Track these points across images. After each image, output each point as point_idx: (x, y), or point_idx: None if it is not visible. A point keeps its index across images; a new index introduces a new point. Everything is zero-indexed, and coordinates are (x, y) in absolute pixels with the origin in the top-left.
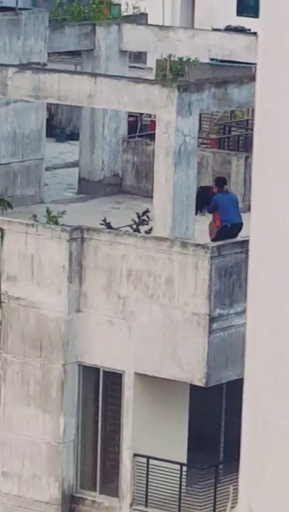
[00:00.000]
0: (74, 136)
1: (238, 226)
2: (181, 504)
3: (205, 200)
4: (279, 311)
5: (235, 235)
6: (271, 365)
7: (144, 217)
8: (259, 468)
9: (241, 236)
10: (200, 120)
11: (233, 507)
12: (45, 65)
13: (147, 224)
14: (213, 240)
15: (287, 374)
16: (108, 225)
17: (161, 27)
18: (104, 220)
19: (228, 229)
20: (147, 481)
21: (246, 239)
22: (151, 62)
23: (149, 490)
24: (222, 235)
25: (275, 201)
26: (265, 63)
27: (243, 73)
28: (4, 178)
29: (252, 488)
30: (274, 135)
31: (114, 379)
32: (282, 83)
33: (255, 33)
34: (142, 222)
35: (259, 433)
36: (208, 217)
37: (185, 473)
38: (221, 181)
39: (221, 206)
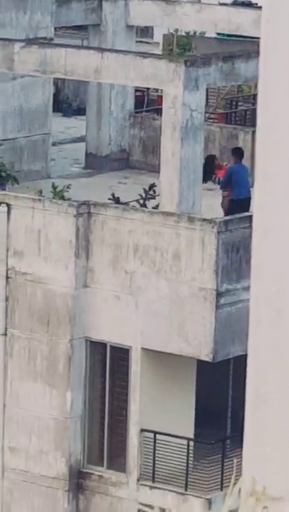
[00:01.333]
0: (81, 111)
1: (249, 200)
2: (188, 479)
3: (209, 169)
4: (282, 286)
5: (248, 210)
6: (273, 339)
7: (151, 192)
8: (262, 441)
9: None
10: (207, 95)
11: (237, 479)
12: (51, 39)
13: (154, 199)
14: (226, 214)
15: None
16: (117, 200)
17: (168, 1)
18: (113, 195)
19: (241, 203)
20: (154, 456)
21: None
22: (158, 36)
23: (156, 465)
24: (234, 209)
25: (278, 175)
26: (268, 35)
27: (250, 47)
28: (11, 153)
29: (255, 460)
30: (278, 108)
31: (121, 354)
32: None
33: (261, 7)
34: (149, 197)
35: (261, 406)
36: (214, 191)
37: (192, 448)
38: (239, 152)
39: (235, 179)
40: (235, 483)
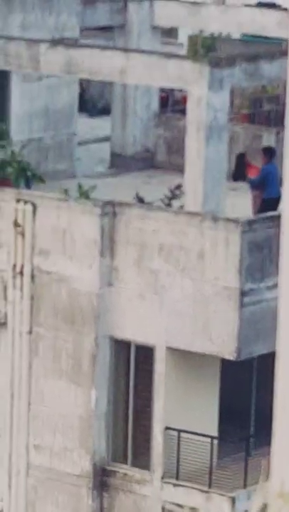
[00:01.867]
0: (106, 111)
1: (279, 200)
2: (212, 477)
3: (241, 168)
4: None
5: (277, 208)
6: None
7: (177, 192)
8: None
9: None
10: (231, 95)
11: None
12: (77, 40)
13: (180, 198)
14: (257, 213)
15: None
16: (141, 200)
17: (193, 3)
18: (137, 195)
19: (272, 202)
20: (178, 455)
21: (278, 214)
22: (182, 37)
23: (180, 463)
24: (266, 208)
25: None
26: None
27: (274, 48)
28: (37, 153)
29: (285, 462)
30: None
31: (145, 353)
32: None
33: (286, 9)
34: (175, 197)
35: None
36: (237, 190)
37: (216, 447)
38: (270, 152)
39: (270, 179)
40: (262, 484)
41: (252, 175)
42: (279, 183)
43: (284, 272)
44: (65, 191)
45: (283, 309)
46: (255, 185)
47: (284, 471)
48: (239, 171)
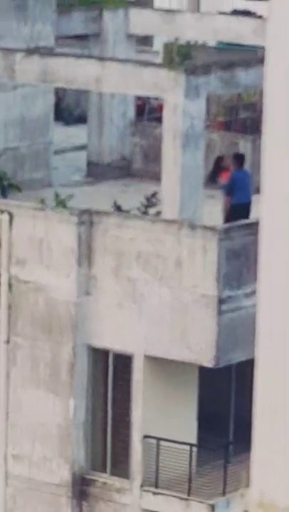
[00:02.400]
0: (82, 120)
1: (249, 206)
2: (191, 485)
3: (216, 171)
4: None
5: (247, 216)
6: (282, 348)
7: (153, 200)
8: (271, 453)
9: (250, 218)
10: (207, 103)
11: (245, 489)
12: (52, 49)
13: (156, 206)
14: (225, 220)
15: None
16: (118, 208)
17: (168, 10)
18: (115, 203)
19: (241, 207)
20: (157, 463)
21: (255, 221)
22: (158, 45)
23: (160, 471)
24: (235, 214)
25: (285, 182)
26: (273, 45)
27: (250, 56)
28: (13, 162)
29: (264, 472)
30: (283, 116)
31: (123, 361)
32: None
33: (261, 17)
34: (151, 205)
35: (270, 418)
36: (215, 198)
37: (195, 454)
38: (241, 158)
39: (239, 185)
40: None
41: (224, 179)
42: (250, 189)
43: (262, 279)
44: (42, 201)
45: (262, 316)
46: (225, 192)
47: (263, 480)
48: (215, 174)
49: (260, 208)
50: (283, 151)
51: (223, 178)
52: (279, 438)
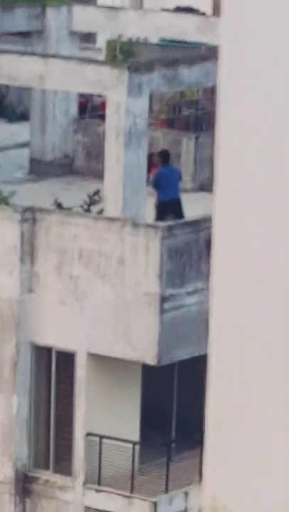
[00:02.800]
0: (25, 117)
1: (177, 202)
2: (134, 482)
3: (149, 166)
4: (244, 290)
5: (175, 212)
6: (235, 346)
7: (95, 198)
8: (224, 457)
9: (192, 216)
10: (150, 100)
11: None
12: None
13: (98, 204)
14: (156, 217)
15: (251, 356)
16: (59, 206)
17: (111, 7)
18: (56, 201)
19: (167, 204)
20: (100, 460)
21: (198, 219)
22: (101, 42)
23: (102, 468)
24: (161, 210)
25: (238, 180)
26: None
27: (193, 53)
28: None
29: (216, 476)
30: (238, 114)
31: (66, 359)
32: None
33: (204, 13)
34: (93, 203)
35: (223, 423)
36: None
37: (138, 452)
38: (165, 155)
39: (162, 181)
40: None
41: (152, 176)
42: (177, 185)
43: (216, 277)
44: None
45: (215, 313)
46: (153, 188)
47: (216, 485)
48: (147, 171)
49: (214, 205)
50: (238, 147)
51: (151, 175)
52: (233, 440)
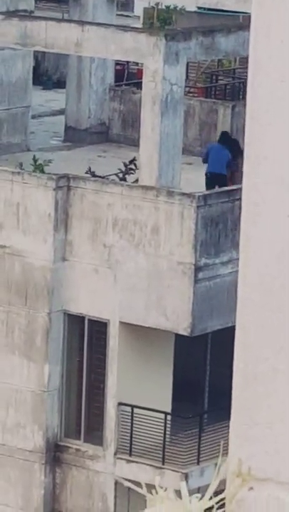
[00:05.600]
0: (61, 84)
1: (221, 177)
2: (165, 453)
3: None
4: (271, 262)
5: (214, 186)
6: (262, 315)
7: (131, 166)
8: (250, 421)
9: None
10: (187, 69)
11: (219, 456)
12: (32, 12)
13: (134, 173)
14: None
15: (278, 325)
16: (93, 174)
17: None
18: (89, 169)
19: (208, 178)
20: (132, 430)
21: (233, 188)
22: (138, 10)
23: (134, 439)
24: (207, 182)
25: (268, 150)
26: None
27: (230, 22)
28: None
29: (242, 441)
30: (268, 82)
31: (99, 328)
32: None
33: None
34: (129, 171)
35: (250, 385)
36: (193, 165)
37: (169, 423)
38: (223, 135)
39: (212, 155)
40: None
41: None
42: (219, 161)
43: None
44: (20, 165)
45: (242, 287)
46: (203, 161)
47: (241, 450)
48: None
49: (243, 174)
50: (267, 119)
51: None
52: (258, 406)
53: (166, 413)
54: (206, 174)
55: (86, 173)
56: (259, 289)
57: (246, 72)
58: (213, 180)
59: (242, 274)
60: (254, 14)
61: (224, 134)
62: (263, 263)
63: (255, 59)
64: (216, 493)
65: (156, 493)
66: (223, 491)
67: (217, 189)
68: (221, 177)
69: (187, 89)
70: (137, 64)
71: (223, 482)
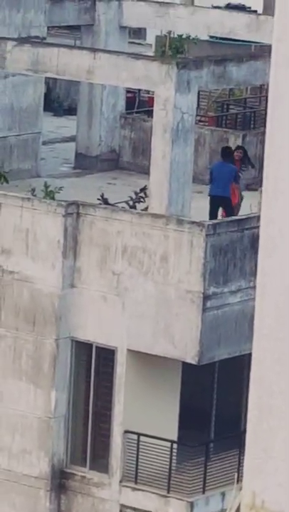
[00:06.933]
0: (72, 111)
1: (225, 200)
2: (171, 481)
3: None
4: (288, 295)
5: (217, 208)
6: (278, 348)
7: (142, 194)
8: (264, 455)
9: (240, 215)
10: (198, 97)
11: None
12: (44, 39)
13: (144, 202)
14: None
15: None
16: (105, 201)
17: (162, 3)
18: (102, 196)
19: (213, 199)
20: (137, 458)
21: (243, 217)
22: (150, 38)
23: (139, 467)
24: (211, 206)
25: (285, 185)
26: (280, 39)
27: (242, 51)
28: (1, 152)
29: (256, 474)
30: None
31: (106, 355)
32: None
33: (255, 11)
34: (139, 200)
35: (265, 418)
36: (204, 193)
37: (175, 451)
38: (225, 151)
39: (216, 176)
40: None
41: None
42: (222, 180)
43: (260, 279)
44: (33, 190)
45: (258, 317)
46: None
47: (255, 483)
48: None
49: (262, 204)
50: (286, 154)
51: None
52: (273, 439)
53: (172, 441)
54: (209, 195)
55: (98, 199)
56: (275, 322)
57: (257, 102)
58: (216, 202)
59: (258, 308)
60: (275, 46)
61: (225, 149)
62: (279, 296)
63: (275, 93)
64: None
65: None
66: None
67: (227, 218)
68: (224, 199)
69: (198, 117)
70: (148, 92)
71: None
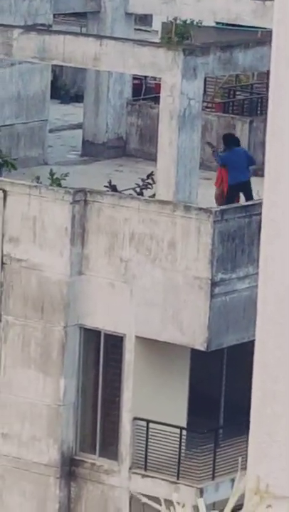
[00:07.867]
0: (78, 98)
1: (245, 184)
2: (180, 468)
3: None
4: None
5: (248, 192)
6: (281, 334)
7: (149, 181)
8: (268, 439)
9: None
10: (205, 84)
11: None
12: (50, 26)
13: (151, 188)
14: (225, 199)
15: None
16: (113, 188)
17: None
18: (110, 183)
19: (239, 186)
20: (147, 445)
21: (250, 203)
22: (156, 25)
23: (149, 453)
24: (233, 194)
25: (288, 168)
26: (279, 30)
27: (249, 37)
28: (8, 140)
29: (261, 458)
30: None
31: (115, 342)
32: None
33: None
34: (146, 186)
35: (269, 403)
36: (211, 180)
37: (184, 437)
38: (228, 139)
39: (230, 166)
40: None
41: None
42: (242, 168)
43: (263, 266)
44: (37, 178)
45: (261, 303)
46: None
47: (260, 467)
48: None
49: (265, 187)
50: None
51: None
52: (278, 423)
53: (181, 428)
54: (228, 186)
55: (106, 186)
56: (278, 308)
57: (264, 88)
58: (236, 190)
59: (261, 293)
60: (275, 32)
61: (226, 136)
62: (282, 282)
63: (276, 77)
64: (234, 510)
65: (174, 509)
66: (240, 505)
67: (234, 204)
68: (245, 184)
69: (205, 104)
70: (154, 78)
71: (240, 497)
